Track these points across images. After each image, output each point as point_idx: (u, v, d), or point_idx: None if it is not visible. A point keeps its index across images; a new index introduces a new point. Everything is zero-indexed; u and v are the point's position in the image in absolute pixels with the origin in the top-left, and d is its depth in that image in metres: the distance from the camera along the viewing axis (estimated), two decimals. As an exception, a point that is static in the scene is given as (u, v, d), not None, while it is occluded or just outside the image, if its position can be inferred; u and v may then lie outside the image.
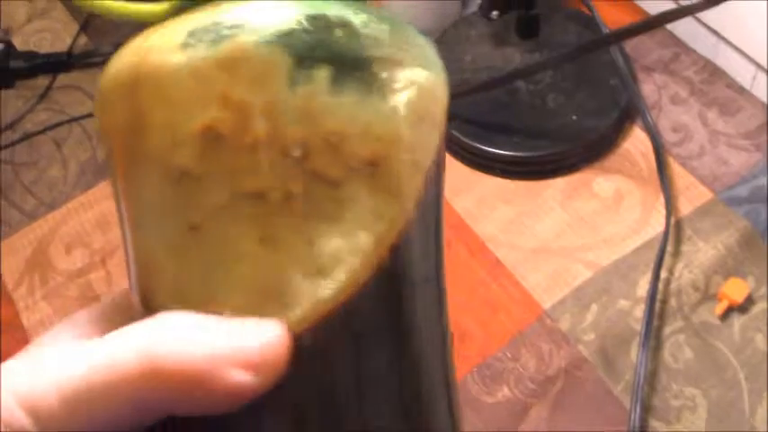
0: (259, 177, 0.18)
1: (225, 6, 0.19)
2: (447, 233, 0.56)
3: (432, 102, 0.20)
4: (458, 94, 0.60)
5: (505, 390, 0.49)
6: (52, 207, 0.63)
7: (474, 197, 0.58)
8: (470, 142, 0.58)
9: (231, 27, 0.18)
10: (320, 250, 0.19)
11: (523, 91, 0.60)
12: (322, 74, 0.18)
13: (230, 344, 0.18)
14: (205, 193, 0.18)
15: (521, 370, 0.50)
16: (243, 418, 0.19)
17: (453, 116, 0.59)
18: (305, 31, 0.18)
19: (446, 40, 0.64)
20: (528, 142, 0.58)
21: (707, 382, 0.48)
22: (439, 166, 0.21)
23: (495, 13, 0.58)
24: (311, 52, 0.18)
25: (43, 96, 0.71)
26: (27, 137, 0.67)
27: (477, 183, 0.59)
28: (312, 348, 0.19)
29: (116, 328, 0.19)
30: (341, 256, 0.19)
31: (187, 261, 0.19)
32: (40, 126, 0.68)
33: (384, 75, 0.19)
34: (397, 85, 0.19)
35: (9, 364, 0.18)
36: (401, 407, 0.21)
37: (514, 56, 0.62)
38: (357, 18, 0.19)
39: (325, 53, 0.18)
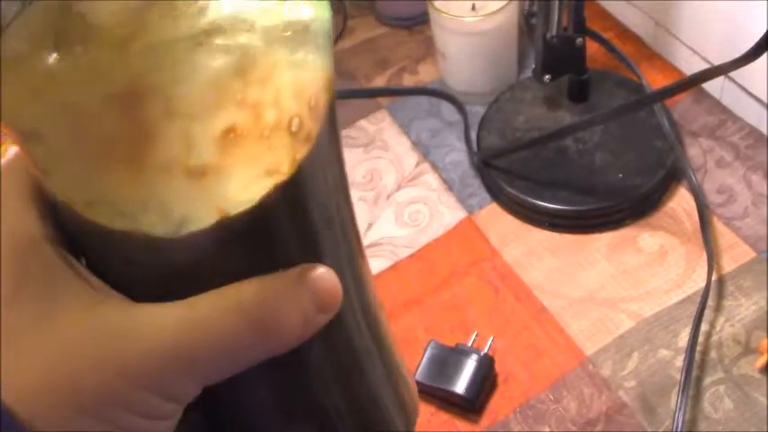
0: (273, 156, 0.21)
1: (222, 12, 0.20)
2: (495, 280, 0.59)
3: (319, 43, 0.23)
4: (510, 150, 0.64)
5: (547, 430, 0.51)
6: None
7: (523, 248, 0.61)
8: (521, 196, 0.62)
9: (236, 33, 0.20)
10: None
11: (572, 150, 0.63)
12: (308, 57, 0.21)
13: (313, 297, 0.22)
14: (228, 181, 0.21)
15: (562, 412, 0.52)
16: None
17: (507, 172, 0.63)
18: (289, 24, 0.21)
19: (502, 102, 0.68)
20: (576, 198, 0.61)
21: (746, 432, 0.49)
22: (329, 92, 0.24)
23: (547, 77, 0.62)
24: (298, 42, 0.21)
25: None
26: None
27: (526, 234, 0.62)
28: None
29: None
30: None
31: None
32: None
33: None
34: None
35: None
36: None
37: (565, 118, 0.66)
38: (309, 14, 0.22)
39: (302, 40, 0.21)
